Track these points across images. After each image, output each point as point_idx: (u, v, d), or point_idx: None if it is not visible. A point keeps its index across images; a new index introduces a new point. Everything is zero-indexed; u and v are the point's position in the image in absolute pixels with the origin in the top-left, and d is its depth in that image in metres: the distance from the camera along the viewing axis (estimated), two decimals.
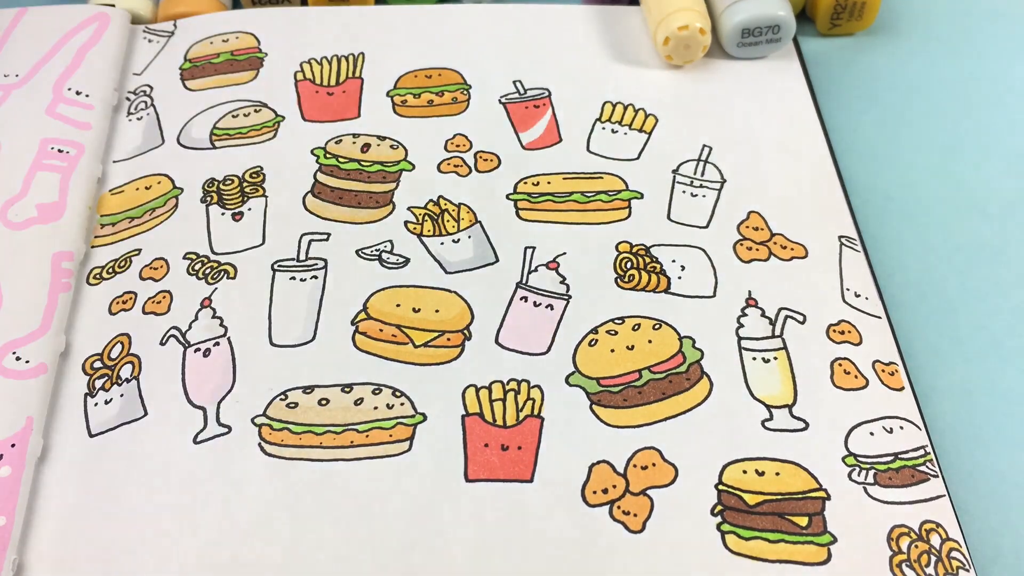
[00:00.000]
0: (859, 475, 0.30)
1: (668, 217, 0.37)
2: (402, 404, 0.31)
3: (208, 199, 0.37)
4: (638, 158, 0.39)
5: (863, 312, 0.34)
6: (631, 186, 0.38)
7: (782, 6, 0.41)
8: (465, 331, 0.33)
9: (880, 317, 0.35)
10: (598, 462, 0.30)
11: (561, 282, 0.35)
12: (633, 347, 0.33)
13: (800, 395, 0.32)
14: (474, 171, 0.38)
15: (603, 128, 0.40)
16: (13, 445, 0.30)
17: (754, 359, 0.33)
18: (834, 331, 0.34)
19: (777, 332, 0.34)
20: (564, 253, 0.35)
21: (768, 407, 0.32)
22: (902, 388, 0.33)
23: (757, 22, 0.40)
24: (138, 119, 0.40)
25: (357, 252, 0.35)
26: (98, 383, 0.32)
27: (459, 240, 0.36)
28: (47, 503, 0.30)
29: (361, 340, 0.33)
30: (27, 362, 0.32)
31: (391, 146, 0.39)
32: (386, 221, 0.36)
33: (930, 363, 0.35)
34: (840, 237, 0.36)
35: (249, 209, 0.36)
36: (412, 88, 0.41)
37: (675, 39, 0.40)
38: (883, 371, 0.33)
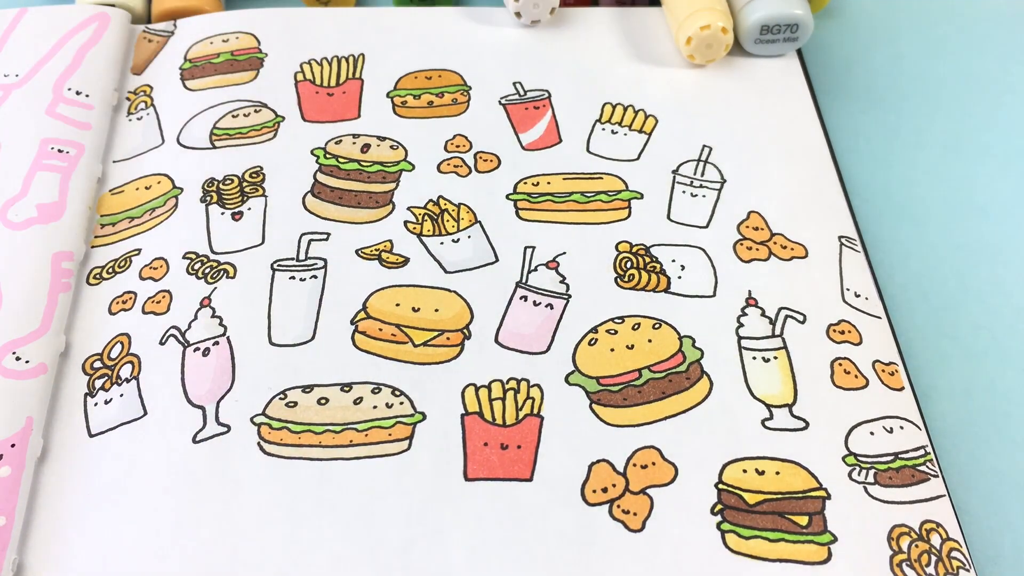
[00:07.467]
0: (859, 474, 0.30)
1: (668, 217, 0.37)
2: (401, 403, 0.31)
3: (208, 199, 0.37)
4: (638, 159, 0.39)
5: (863, 312, 0.34)
6: (631, 186, 0.38)
7: (800, 5, 0.41)
8: (465, 330, 0.33)
9: (880, 317, 0.35)
10: (598, 461, 0.30)
11: (561, 281, 0.35)
12: (633, 346, 0.33)
13: (800, 395, 0.32)
14: (474, 171, 0.38)
15: (603, 129, 0.40)
16: (13, 445, 0.30)
17: (754, 358, 0.33)
18: (834, 331, 0.34)
19: (777, 332, 0.33)
20: (564, 253, 0.35)
21: (768, 406, 0.32)
22: (902, 388, 0.33)
23: (776, 20, 0.41)
24: (138, 119, 0.40)
25: (357, 252, 0.35)
26: (98, 383, 0.32)
27: (459, 240, 0.36)
28: (47, 503, 0.30)
29: (360, 339, 0.33)
30: (27, 362, 0.32)
31: (391, 146, 0.39)
32: (386, 221, 0.36)
33: (930, 363, 0.35)
34: (840, 237, 0.36)
35: (249, 209, 0.36)
36: (412, 89, 0.41)
37: (697, 38, 0.40)
38: (883, 371, 0.33)
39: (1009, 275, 0.37)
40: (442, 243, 0.36)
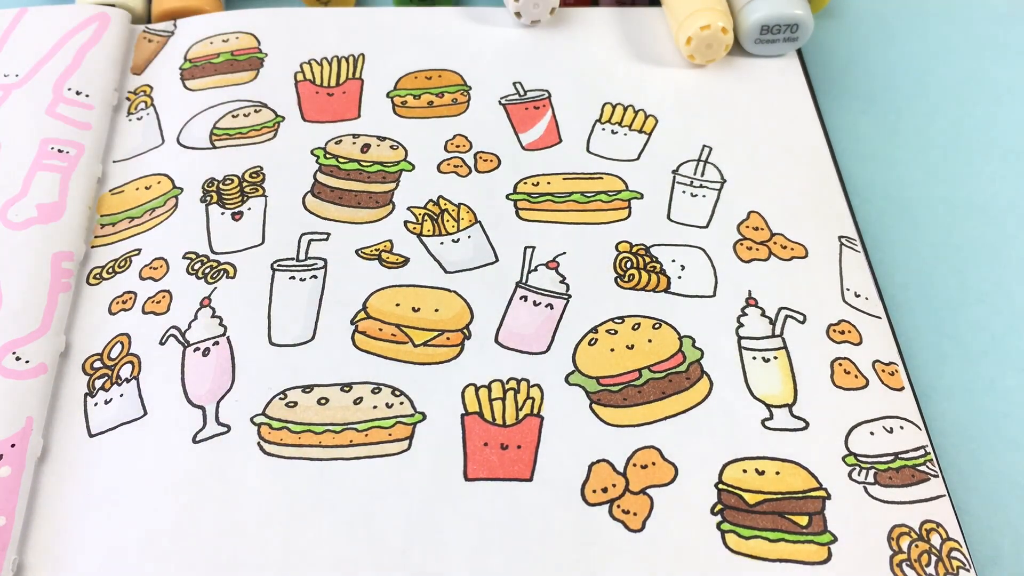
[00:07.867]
0: (859, 474, 0.30)
1: (668, 217, 0.37)
2: (401, 403, 0.31)
3: (208, 199, 0.37)
4: (638, 159, 0.39)
5: (863, 312, 0.34)
6: (631, 186, 0.38)
7: (800, 5, 0.41)
8: (465, 330, 0.33)
9: (880, 317, 0.35)
10: (598, 461, 0.30)
11: (561, 281, 0.35)
12: (633, 346, 0.33)
13: (800, 395, 0.32)
14: (474, 171, 0.38)
15: (603, 129, 0.40)
16: (13, 445, 0.30)
17: (754, 358, 0.33)
18: (834, 331, 0.34)
19: (777, 332, 0.34)
20: (564, 253, 0.35)
21: (768, 406, 0.32)
22: (902, 388, 0.33)
23: (776, 20, 0.41)
24: (138, 119, 0.40)
25: (357, 252, 0.35)
26: (98, 383, 0.32)
27: (459, 240, 0.36)
28: (47, 503, 0.30)
29: (360, 339, 0.33)
30: (27, 362, 0.32)
31: (391, 146, 0.39)
32: (386, 221, 0.36)
33: (930, 363, 0.35)
34: (840, 237, 0.36)
35: (249, 209, 0.36)
36: (412, 89, 0.41)
37: (697, 39, 0.40)
38: (883, 371, 0.33)
39: (1009, 275, 0.37)
40: (442, 243, 0.36)
